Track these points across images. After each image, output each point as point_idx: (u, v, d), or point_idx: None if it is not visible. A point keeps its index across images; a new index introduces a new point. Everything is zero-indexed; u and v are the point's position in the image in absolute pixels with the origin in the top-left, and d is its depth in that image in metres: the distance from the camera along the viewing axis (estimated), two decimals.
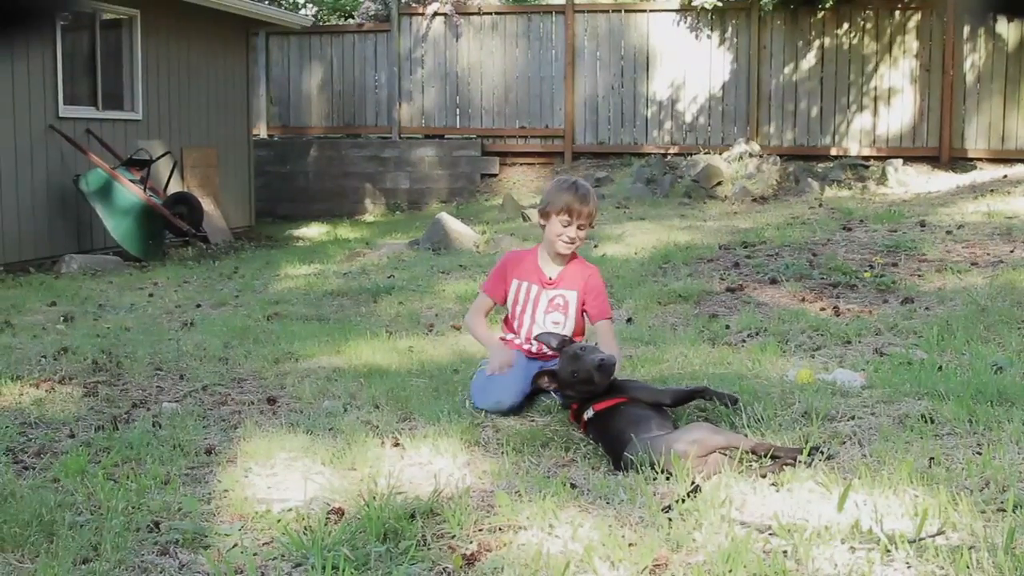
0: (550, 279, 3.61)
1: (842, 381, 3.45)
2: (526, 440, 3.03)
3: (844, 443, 2.81)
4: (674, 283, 6.06)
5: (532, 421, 3.26)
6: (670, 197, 10.86)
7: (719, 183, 11.11)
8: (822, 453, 2.66)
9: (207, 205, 10.53)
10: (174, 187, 10.16)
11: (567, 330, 3.59)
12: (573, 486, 2.59)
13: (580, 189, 3.53)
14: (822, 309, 5.22)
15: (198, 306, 6.39)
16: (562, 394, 3.20)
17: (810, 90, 12.41)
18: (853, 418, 3.02)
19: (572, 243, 3.55)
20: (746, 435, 2.86)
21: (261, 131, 13.92)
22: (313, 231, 11.98)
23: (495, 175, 13.30)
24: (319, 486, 2.68)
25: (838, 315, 5.05)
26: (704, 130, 12.74)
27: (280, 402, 3.72)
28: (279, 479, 2.79)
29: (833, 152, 12.26)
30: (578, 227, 3.52)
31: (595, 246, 7.59)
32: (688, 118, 12.78)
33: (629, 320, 5.31)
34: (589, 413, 3.05)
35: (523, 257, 3.69)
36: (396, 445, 3.01)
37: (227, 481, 2.78)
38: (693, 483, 2.50)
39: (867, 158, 12.02)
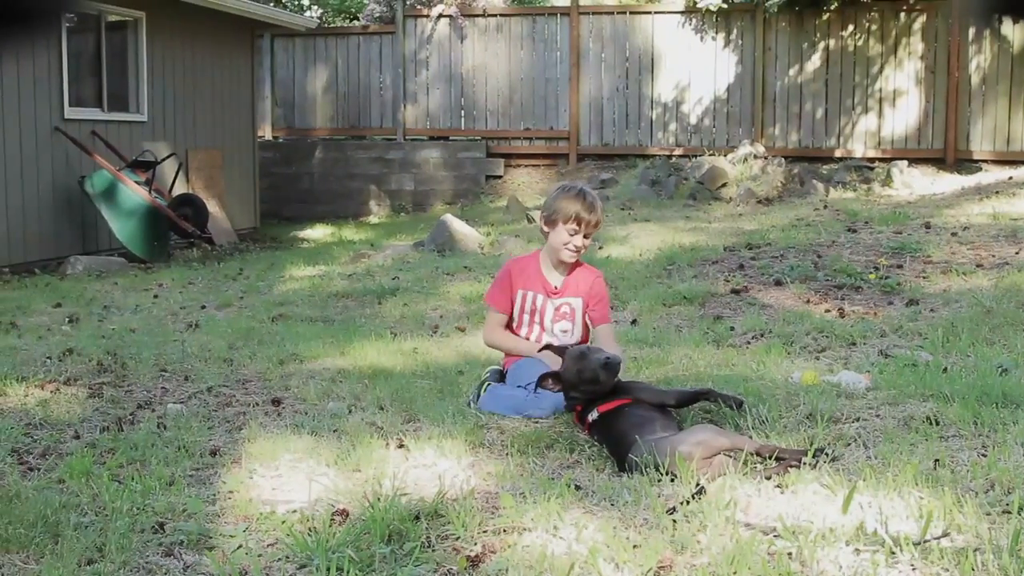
0: (555, 288, 3.59)
1: (847, 383, 3.44)
2: (530, 442, 3.02)
3: (849, 445, 2.79)
4: (679, 285, 6.05)
5: (536, 423, 3.26)
6: (675, 199, 10.84)
7: (724, 185, 11.10)
8: (827, 455, 2.65)
9: (212, 207, 10.55)
10: (179, 189, 10.18)
11: (575, 337, 3.60)
12: (578, 488, 2.59)
13: (588, 197, 3.51)
14: (827, 311, 5.21)
15: (203, 307, 6.40)
16: (567, 396, 3.17)
17: (815, 92, 12.40)
18: (858, 420, 3.00)
19: (577, 252, 3.53)
20: (751, 437, 2.85)
21: (266, 133, 13.94)
22: (318, 232, 11.98)
23: (500, 177, 13.30)
24: (323, 487, 2.68)
25: (843, 317, 5.04)
26: (709, 132, 12.73)
27: (285, 403, 3.73)
28: (284, 480, 2.79)
29: (838, 154, 12.25)
30: (584, 235, 3.52)
31: (600, 248, 7.58)
32: (693, 120, 12.77)
33: (634, 322, 5.30)
34: (593, 415, 3.04)
35: (526, 265, 3.64)
36: (401, 447, 3.01)
37: (232, 482, 2.78)
38: (698, 485, 2.49)
39: (872, 160, 12.01)
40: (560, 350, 3.27)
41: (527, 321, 3.63)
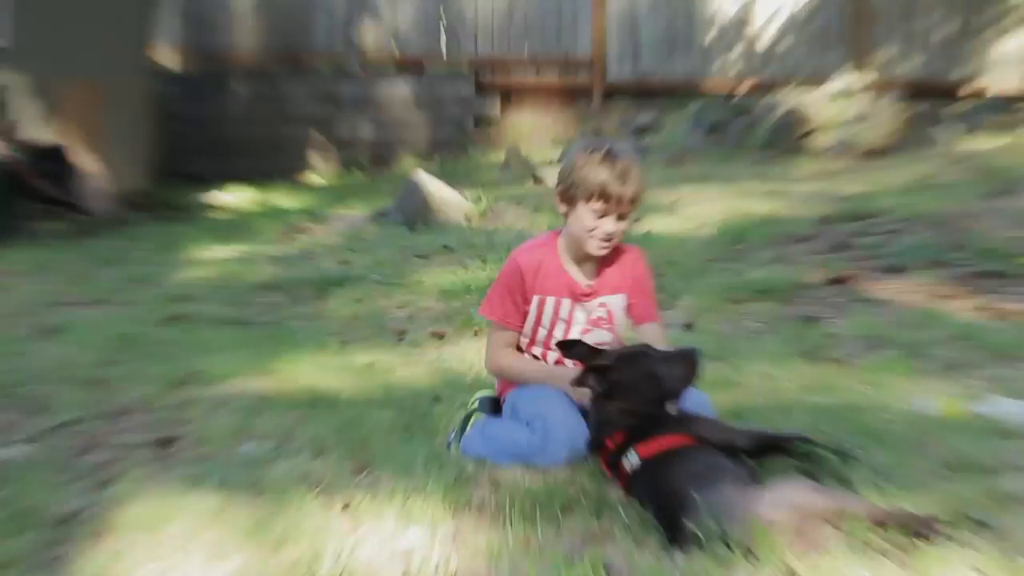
0: (587, 288, 3.60)
1: (1006, 415, 3.44)
2: (539, 501, 3.01)
3: (1013, 509, 2.74)
4: (752, 272, 6.08)
5: (547, 474, 3.24)
6: (743, 150, 10.93)
7: (812, 131, 11.16)
8: (978, 523, 2.64)
9: (86, 161, 10.51)
10: (39, 135, 10.08)
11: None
12: (608, 570, 2.59)
13: (619, 161, 3.46)
14: (970, 309, 5.20)
15: (64, 304, 6.38)
16: (602, 416, 3.20)
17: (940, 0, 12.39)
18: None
19: (609, 241, 3.52)
20: (863, 496, 2.83)
21: (168, 59, 13.88)
22: (236, 197, 12.08)
23: (495, 120, 13.30)
24: (233, 572, 2.66)
25: (995, 318, 5.01)
26: (788, 58, 12.82)
27: (179, 444, 3.70)
28: (173, 562, 2.74)
29: (974, 87, 12.23)
30: (619, 217, 3.48)
31: (636, 220, 7.51)
32: (765, 41, 12.84)
33: (688, 326, 5.31)
34: (632, 459, 3.05)
35: (540, 260, 3.61)
36: (347, 508, 3.00)
37: (94, 566, 2.72)
38: (787, 566, 2.49)
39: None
40: (592, 352, 3.28)
41: (544, 337, 3.63)
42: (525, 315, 3.60)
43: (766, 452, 3.10)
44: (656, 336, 3.57)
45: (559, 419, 3.33)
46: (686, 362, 3.20)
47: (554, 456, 3.30)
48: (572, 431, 3.31)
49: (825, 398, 3.82)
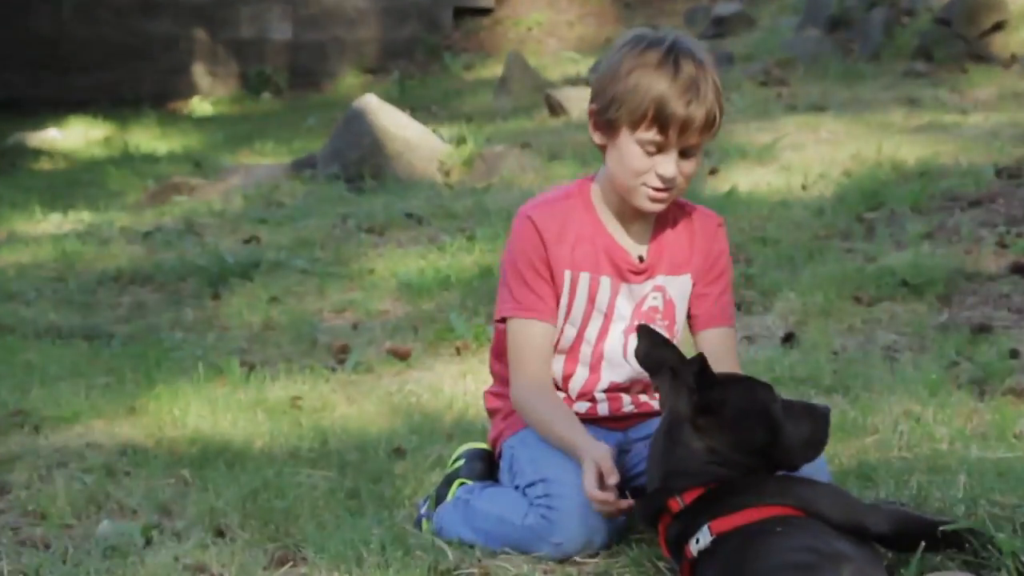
0: (639, 262, 3.61)
1: None
2: None
3: None
4: (891, 255, 6.07)
5: (567, 564, 3.29)
6: (883, 60, 10.88)
7: (998, 26, 11.01)
8: None
9: None
10: None
11: None
12: None
13: (686, 63, 3.45)
14: None
15: None
16: (678, 454, 3.16)
17: None
18: None
19: (667, 191, 3.51)
20: None
21: None
22: (73, 135, 12.02)
23: (487, 11, 13.29)
24: None
25: None
26: None
27: None
28: None
29: None
30: (683, 153, 3.51)
31: (711, 172, 7.54)
32: None
33: (789, 337, 5.35)
34: (703, 538, 3.06)
35: (566, 217, 3.60)
36: None
37: None
38: None
39: None
40: (684, 361, 3.17)
41: (570, 340, 3.62)
42: (558, 299, 3.56)
43: (910, 539, 3.08)
44: (724, 349, 3.57)
45: (571, 487, 3.30)
46: (814, 422, 3.17)
47: (562, 542, 3.31)
48: (590, 507, 3.29)
49: (1004, 452, 3.79)
